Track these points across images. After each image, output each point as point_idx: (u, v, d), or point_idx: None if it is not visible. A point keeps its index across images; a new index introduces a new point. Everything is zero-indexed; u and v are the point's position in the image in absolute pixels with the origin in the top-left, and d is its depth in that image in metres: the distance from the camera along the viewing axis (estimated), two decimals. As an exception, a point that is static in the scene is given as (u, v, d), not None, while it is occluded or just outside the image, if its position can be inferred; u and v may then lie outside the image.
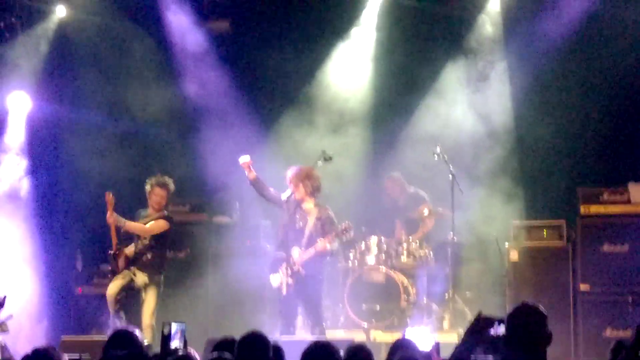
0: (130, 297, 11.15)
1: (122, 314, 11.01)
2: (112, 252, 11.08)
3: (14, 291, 11.84)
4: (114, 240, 11.11)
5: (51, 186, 13.27)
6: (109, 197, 11.03)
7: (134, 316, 11.16)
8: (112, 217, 10.97)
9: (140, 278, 11.12)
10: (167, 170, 12.82)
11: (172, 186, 11.40)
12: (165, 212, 11.33)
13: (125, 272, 11.15)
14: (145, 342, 6.87)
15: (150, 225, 11.19)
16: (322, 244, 10.31)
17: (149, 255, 11.18)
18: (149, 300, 11.11)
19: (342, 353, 6.04)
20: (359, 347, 5.98)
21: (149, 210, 11.34)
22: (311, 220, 10.48)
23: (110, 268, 11.22)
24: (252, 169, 10.74)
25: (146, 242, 11.22)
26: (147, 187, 11.34)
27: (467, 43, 13.22)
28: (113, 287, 11.07)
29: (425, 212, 12.47)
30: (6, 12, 12.83)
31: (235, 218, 12.96)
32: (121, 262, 11.09)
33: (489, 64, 13.08)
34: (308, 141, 12.83)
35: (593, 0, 12.50)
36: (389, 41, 13.55)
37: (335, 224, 10.45)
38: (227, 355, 5.34)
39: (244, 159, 10.80)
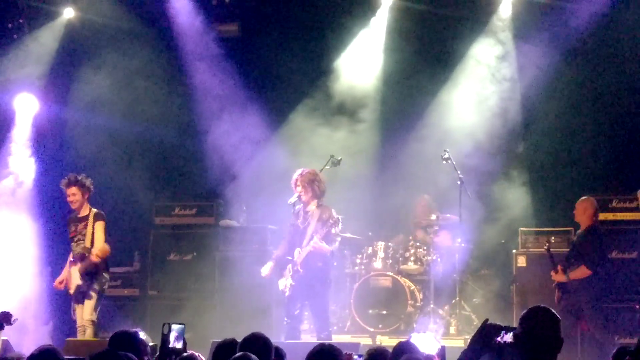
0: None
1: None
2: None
3: (20, 291, 11.84)
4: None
5: (56, 187, 13.22)
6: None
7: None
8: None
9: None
10: (175, 172, 12.77)
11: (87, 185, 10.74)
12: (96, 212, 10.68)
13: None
14: (150, 343, 6.83)
15: (97, 246, 10.56)
16: (315, 240, 10.21)
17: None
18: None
19: (358, 357, 6.04)
20: (380, 350, 5.97)
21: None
22: (313, 222, 10.42)
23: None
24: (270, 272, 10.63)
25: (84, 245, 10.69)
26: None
27: (478, 44, 13.18)
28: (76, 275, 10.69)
29: (433, 216, 12.45)
30: (14, 13, 12.84)
31: (242, 222, 12.92)
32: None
33: (499, 70, 13.04)
34: (317, 140, 12.79)
35: (604, 2, 12.44)
36: (398, 38, 13.50)
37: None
38: (252, 356, 5.31)
39: (265, 271, 10.61)
